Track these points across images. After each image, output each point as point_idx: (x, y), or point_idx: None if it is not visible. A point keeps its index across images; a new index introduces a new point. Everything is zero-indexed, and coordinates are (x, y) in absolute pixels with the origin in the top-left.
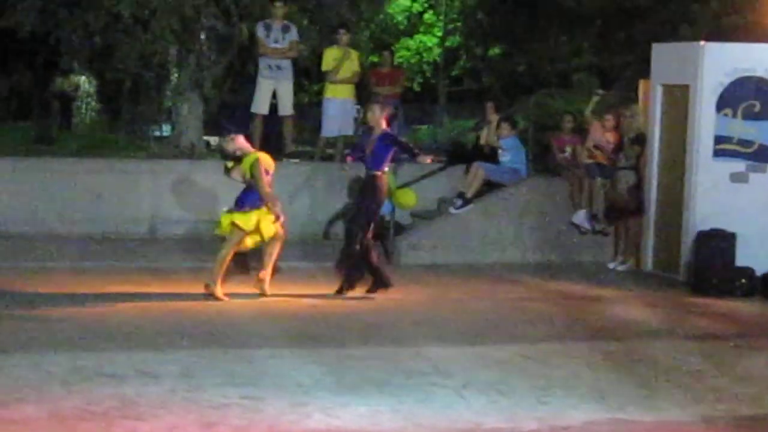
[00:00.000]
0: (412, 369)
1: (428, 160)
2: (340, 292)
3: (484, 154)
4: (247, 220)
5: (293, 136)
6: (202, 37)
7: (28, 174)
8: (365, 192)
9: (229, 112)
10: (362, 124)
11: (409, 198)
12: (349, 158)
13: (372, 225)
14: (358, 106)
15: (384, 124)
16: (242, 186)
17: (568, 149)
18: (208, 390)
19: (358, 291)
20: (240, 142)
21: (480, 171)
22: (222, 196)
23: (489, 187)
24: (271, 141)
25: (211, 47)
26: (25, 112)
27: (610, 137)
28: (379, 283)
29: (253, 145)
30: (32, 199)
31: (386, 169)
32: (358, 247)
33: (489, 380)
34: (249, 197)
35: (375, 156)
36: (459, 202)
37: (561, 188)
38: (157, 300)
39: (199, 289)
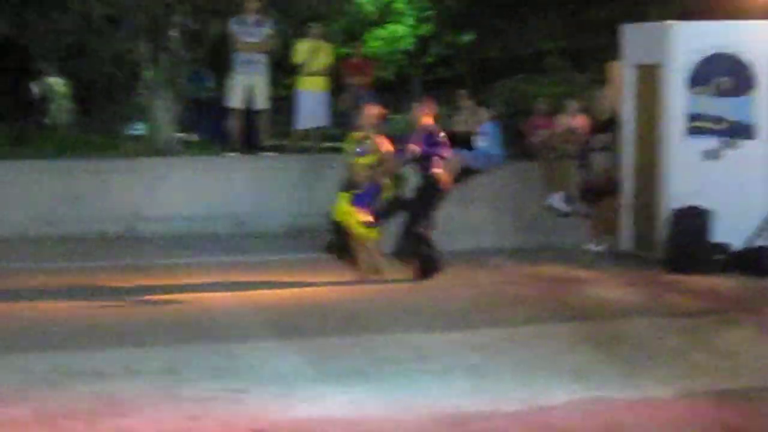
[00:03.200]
0: (394, 356)
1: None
2: (423, 276)
3: (459, 140)
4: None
5: (268, 129)
6: (174, 34)
7: (4, 176)
8: (422, 190)
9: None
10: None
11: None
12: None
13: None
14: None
15: (426, 120)
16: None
17: (542, 132)
18: (192, 384)
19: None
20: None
21: (456, 158)
22: (198, 193)
23: (464, 173)
24: (248, 135)
25: (184, 44)
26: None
27: (580, 121)
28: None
29: None
30: (9, 202)
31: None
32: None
33: (471, 364)
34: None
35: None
36: None
37: (536, 172)
38: (139, 296)
39: (178, 286)
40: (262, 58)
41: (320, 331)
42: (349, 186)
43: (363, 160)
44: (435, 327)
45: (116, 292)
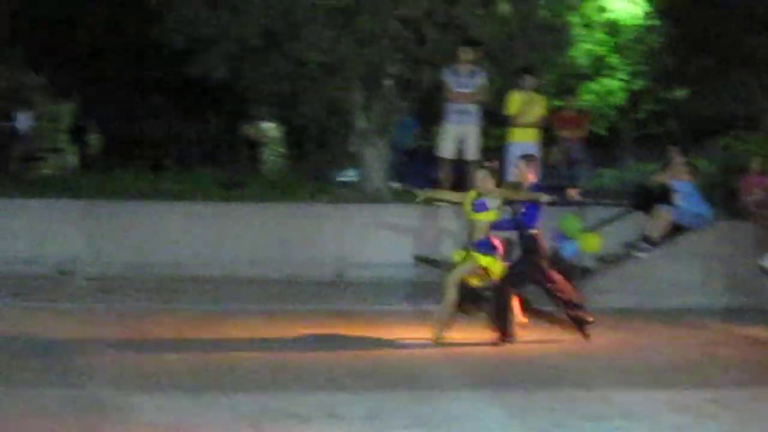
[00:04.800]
0: (597, 413)
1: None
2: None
3: (661, 196)
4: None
5: None
6: (388, 82)
7: (217, 218)
8: (526, 253)
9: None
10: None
11: (593, 242)
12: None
13: (523, 282)
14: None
15: (531, 178)
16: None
17: (757, 192)
18: None
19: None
20: None
21: (666, 214)
22: (408, 240)
23: (675, 230)
24: (457, 185)
25: (397, 93)
26: (213, 157)
27: None
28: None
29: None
30: (221, 243)
31: (539, 227)
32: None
33: (677, 425)
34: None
35: (527, 213)
36: (644, 245)
37: (749, 232)
38: (343, 342)
39: (384, 333)
40: (474, 109)
41: (522, 385)
42: (470, 244)
43: (481, 217)
44: (638, 385)
45: (322, 337)
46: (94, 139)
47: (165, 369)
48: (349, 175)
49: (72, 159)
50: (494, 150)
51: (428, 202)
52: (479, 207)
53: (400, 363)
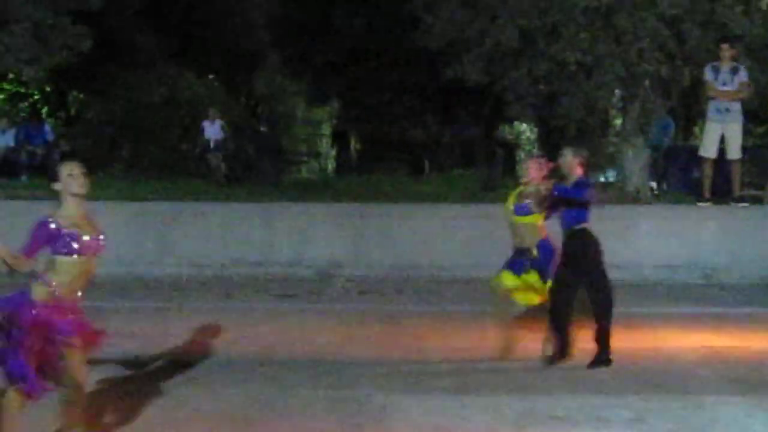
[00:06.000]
0: None
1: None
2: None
3: None
4: None
5: (740, 179)
6: (646, 82)
7: (476, 220)
8: (580, 254)
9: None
10: None
11: None
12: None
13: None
14: None
15: (579, 171)
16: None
17: None
18: None
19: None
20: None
21: None
22: (668, 241)
23: None
24: (718, 185)
25: (655, 92)
26: (469, 160)
27: None
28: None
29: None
30: (481, 245)
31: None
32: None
33: None
34: None
35: (579, 208)
36: None
37: None
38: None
39: (647, 336)
40: (736, 107)
41: None
42: (514, 253)
43: (525, 220)
44: None
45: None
46: (352, 143)
47: (428, 370)
48: (609, 176)
49: (330, 163)
50: (756, 148)
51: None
52: (521, 209)
53: (665, 367)
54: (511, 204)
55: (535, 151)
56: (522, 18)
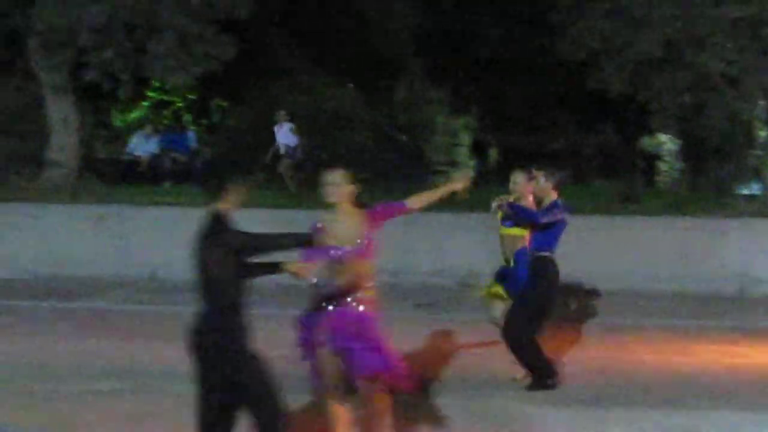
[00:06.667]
0: None
1: None
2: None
3: None
4: None
5: None
6: None
7: (614, 231)
8: (532, 278)
9: None
10: None
11: None
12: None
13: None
14: None
15: (554, 195)
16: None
17: None
18: None
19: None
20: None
21: None
22: None
23: None
24: None
25: None
26: (610, 171)
27: None
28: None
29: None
30: (618, 256)
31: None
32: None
33: None
34: None
35: (544, 233)
36: None
37: None
38: (747, 361)
39: None
40: None
41: None
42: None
43: (510, 232)
44: None
45: (723, 354)
46: (492, 153)
47: (567, 383)
48: (754, 189)
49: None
50: None
51: None
52: (506, 221)
53: None
54: (499, 215)
55: (676, 163)
56: (667, 27)
